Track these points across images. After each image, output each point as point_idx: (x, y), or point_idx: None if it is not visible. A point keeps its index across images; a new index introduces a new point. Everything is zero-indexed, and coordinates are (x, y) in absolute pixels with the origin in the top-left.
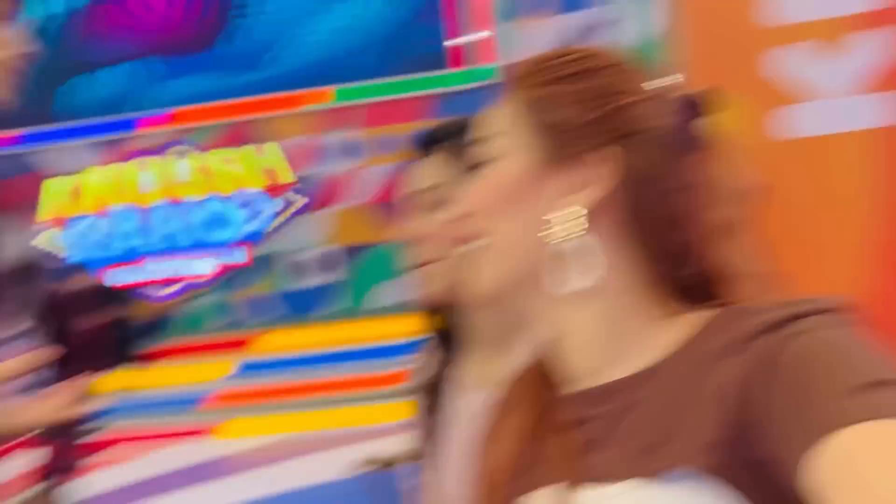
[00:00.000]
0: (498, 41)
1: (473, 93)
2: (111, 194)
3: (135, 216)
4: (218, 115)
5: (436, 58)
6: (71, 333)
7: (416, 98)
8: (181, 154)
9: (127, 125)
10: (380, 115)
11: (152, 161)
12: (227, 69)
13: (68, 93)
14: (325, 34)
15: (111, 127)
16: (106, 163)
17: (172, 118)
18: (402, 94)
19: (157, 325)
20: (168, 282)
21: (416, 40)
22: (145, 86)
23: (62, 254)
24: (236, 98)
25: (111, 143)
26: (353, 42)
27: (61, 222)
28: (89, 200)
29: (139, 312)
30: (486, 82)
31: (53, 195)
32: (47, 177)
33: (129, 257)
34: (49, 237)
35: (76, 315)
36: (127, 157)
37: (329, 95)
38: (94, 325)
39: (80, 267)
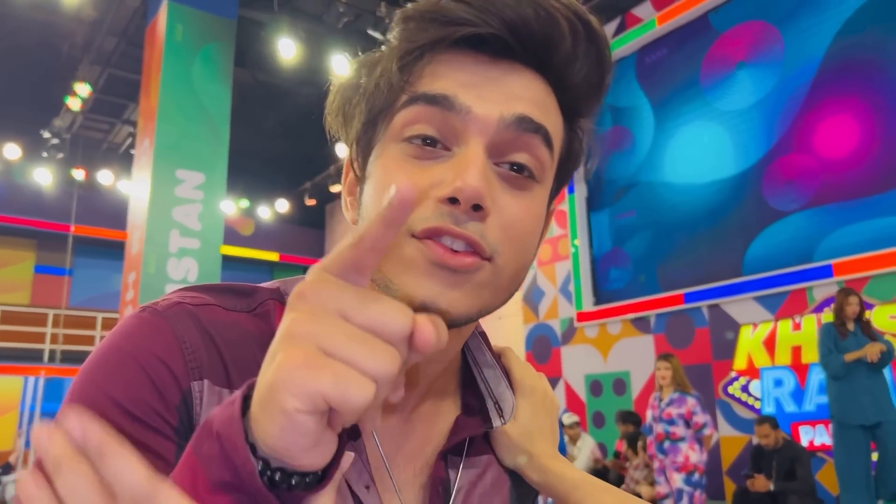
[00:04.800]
0: None
1: None
2: (807, 347)
3: None
4: (885, 264)
5: None
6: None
7: None
8: None
9: (815, 274)
10: None
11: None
12: None
13: (756, 245)
14: None
15: (796, 277)
16: (788, 314)
17: (838, 269)
18: None
19: None
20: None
21: None
22: (822, 234)
23: (754, 404)
24: None
25: (795, 293)
26: None
27: (755, 372)
28: (783, 352)
29: (831, 478)
30: None
31: (747, 345)
32: (741, 326)
33: (825, 416)
34: (741, 385)
35: (760, 469)
36: (817, 308)
37: None
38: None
39: (772, 420)
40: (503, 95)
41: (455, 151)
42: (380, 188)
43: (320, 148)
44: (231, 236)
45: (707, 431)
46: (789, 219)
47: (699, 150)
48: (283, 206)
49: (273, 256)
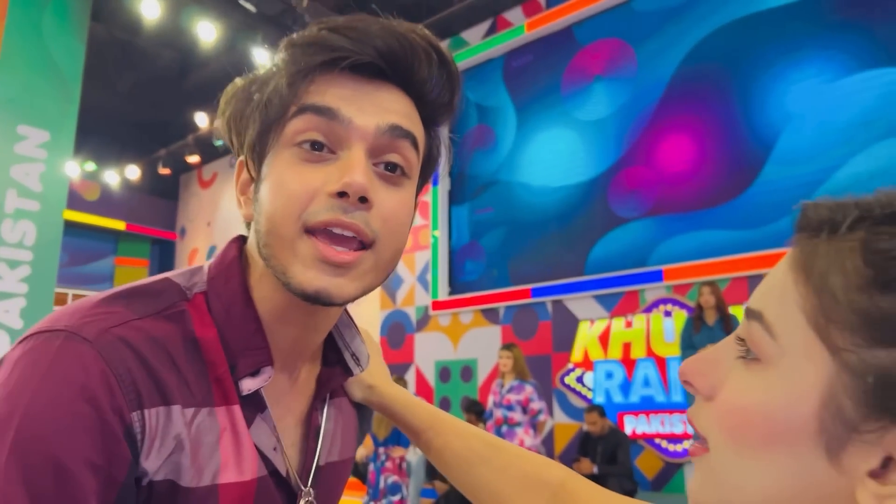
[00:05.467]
0: None
1: None
2: (636, 344)
3: (654, 367)
4: (708, 272)
5: None
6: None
7: None
8: (669, 312)
9: (647, 277)
10: None
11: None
12: (742, 224)
13: (598, 247)
14: (858, 180)
15: (630, 280)
16: (622, 312)
17: (668, 274)
18: None
19: (661, 481)
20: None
21: None
22: (656, 241)
23: (586, 394)
24: (749, 253)
25: (629, 294)
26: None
27: (589, 365)
28: (616, 348)
29: (647, 463)
30: None
31: (584, 339)
32: (579, 321)
33: (647, 407)
34: (576, 376)
35: (586, 453)
36: (647, 309)
37: None
38: (598, 467)
39: (600, 409)
40: (378, 108)
41: (340, 155)
42: (275, 187)
43: (177, 115)
44: (74, 201)
45: (542, 418)
46: (629, 225)
47: (555, 156)
48: (133, 172)
49: (119, 225)
